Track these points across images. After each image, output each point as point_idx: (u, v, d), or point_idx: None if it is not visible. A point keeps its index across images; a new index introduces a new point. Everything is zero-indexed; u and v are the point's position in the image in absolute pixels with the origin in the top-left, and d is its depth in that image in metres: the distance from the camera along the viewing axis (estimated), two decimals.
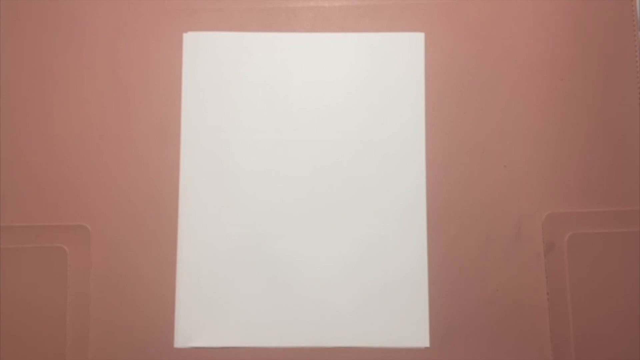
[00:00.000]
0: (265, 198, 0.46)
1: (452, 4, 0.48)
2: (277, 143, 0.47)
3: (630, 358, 0.45)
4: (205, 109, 0.47)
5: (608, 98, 0.47)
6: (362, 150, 0.47)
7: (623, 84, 0.47)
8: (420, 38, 0.48)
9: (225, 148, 0.47)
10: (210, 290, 0.45)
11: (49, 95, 0.47)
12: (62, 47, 0.48)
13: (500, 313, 0.45)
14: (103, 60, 0.47)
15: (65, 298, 0.45)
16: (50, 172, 0.46)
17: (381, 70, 0.47)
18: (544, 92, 0.47)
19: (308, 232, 0.46)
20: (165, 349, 0.45)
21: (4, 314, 0.45)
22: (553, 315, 0.45)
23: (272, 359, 0.45)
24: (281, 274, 0.46)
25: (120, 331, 0.45)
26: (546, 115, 0.47)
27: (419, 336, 0.45)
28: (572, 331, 0.45)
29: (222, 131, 0.47)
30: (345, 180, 0.47)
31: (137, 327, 0.45)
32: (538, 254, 0.46)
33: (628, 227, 0.46)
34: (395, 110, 0.47)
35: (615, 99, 0.47)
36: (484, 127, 0.47)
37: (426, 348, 0.45)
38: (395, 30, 0.48)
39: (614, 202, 0.46)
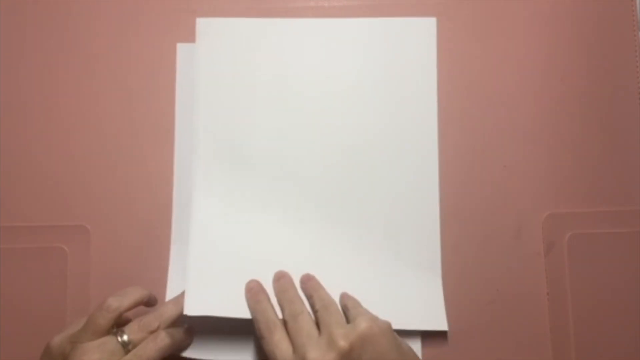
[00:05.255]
0: (276, 185, 0.46)
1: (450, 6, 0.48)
2: (289, 129, 0.46)
3: (630, 358, 0.45)
4: (220, 85, 0.46)
5: (608, 98, 0.47)
6: (374, 134, 0.46)
7: (623, 84, 0.47)
8: (432, 23, 0.47)
9: (239, 119, 0.46)
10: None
11: (49, 96, 0.47)
12: (63, 47, 0.47)
13: (500, 313, 0.45)
14: (103, 60, 0.47)
15: (65, 298, 0.45)
16: (50, 172, 0.46)
17: (394, 54, 0.47)
18: (544, 92, 0.47)
19: (320, 218, 0.46)
20: None
21: (4, 314, 0.45)
22: (553, 315, 0.45)
23: None
24: (291, 266, 0.45)
25: None
26: (546, 115, 0.47)
27: (437, 320, 0.44)
28: (572, 331, 0.45)
29: (236, 104, 0.46)
30: (357, 164, 0.46)
31: None
32: (538, 254, 0.46)
33: (628, 227, 0.46)
34: (407, 95, 0.47)
35: (615, 99, 0.47)
36: (484, 127, 0.47)
37: (425, 346, 0.45)
38: None
39: (614, 202, 0.46)
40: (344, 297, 0.43)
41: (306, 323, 0.39)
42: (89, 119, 0.47)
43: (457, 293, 0.45)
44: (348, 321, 0.40)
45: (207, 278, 0.43)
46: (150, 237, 0.46)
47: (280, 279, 0.43)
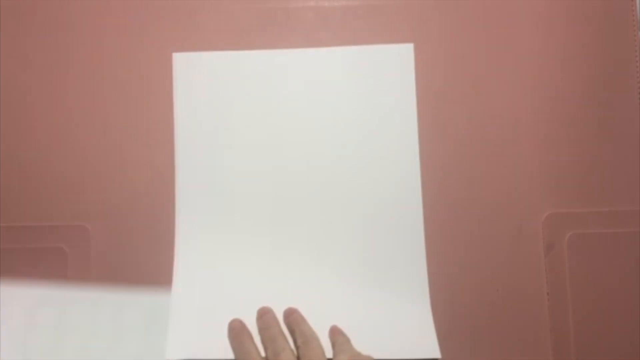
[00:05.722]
0: (260, 209, 0.46)
1: (448, 11, 0.48)
2: (270, 157, 0.46)
3: (630, 358, 0.45)
4: (198, 122, 0.47)
5: (608, 98, 0.47)
6: (355, 162, 0.46)
7: (623, 84, 0.47)
8: (409, 49, 0.47)
9: (219, 158, 0.46)
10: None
11: (49, 96, 0.47)
12: (62, 49, 0.47)
13: (500, 313, 0.45)
14: (103, 62, 0.47)
15: None
16: (50, 172, 0.46)
17: (372, 82, 0.47)
18: (543, 92, 0.47)
19: (305, 246, 0.46)
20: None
21: None
22: (553, 315, 0.45)
23: None
24: (278, 284, 0.45)
25: None
26: (546, 116, 0.47)
27: (427, 346, 0.44)
28: (572, 331, 0.45)
29: (215, 142, 0.46)
30: (340, 193, 0.46)
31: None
32: (538, 254, 0.46)
33: (628, 227, 0.46)
34: (387, 121, 0.47)
35: (615, 99, 0.47)
36: (483, 128, 0.47)
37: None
38: (395, 31, 0.48)
39: (614, 202, 0.46)
40: (334, 332, 0.43)
41: None
42: (88, 119, 0.47)
43: (457, 293, 0.45)
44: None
45: (190, 320, 0.44)
46: (150, 237, 0.46)
47: (263, 315, 0.43)
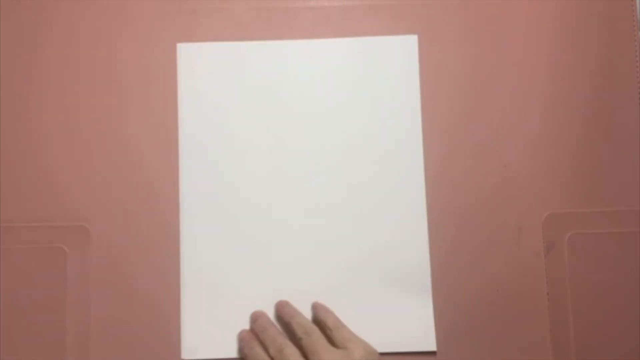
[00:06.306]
0: (264, 203, 0.46)
1: (452, 3, 0.48)
2: (274, 149, 0.47)
3: (630, 358, 0.45)
4: (203, 114, 0.47)
5: (608, 98, 0.47)
6: (360, 154, 0.47)
7: (623, 84, 0.47)
8: (413, 40, 0.48)
9: (223, 154, 0.46)
10: (215, 298, 0.45)
11: (49, 96, 0.47)
12: (62, 49, 0.47)
13: (500, 313, 0.45)
14: (102, 62, 0.47)
15: (65, 298, 0.45)
16: (50, 172, 0.46)
17: (376, 73, 0.47)
18: (544, 91, 0.47)
19: (309, 239, 0.46)
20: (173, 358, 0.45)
21: (4, 314, 0.45)
22: (553, 315, 0.45)
23: None
24: (284, 282, 0.46)
25: (121, 332, 0.45)
26: (546, 115, 0.47)
27: (425, 340, 0.45)
28: (572, 331, 0.45)
29: (219, 137, 0.47)
30: (343, 185, 0.46)
31: (137, 327, 0.45)
32: (538, 254, 0.46)
33: (628, 227, 0.46)
34: (391, 113, 0.47)
35: (615, 99, 0.47)
36: (483, 128, 0.47)
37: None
38: (396, 31, 0.48)
39: (614, 202, 0.46)
40: (321, 311, 0.44)
41: (292, 355, 0.41)
42: (89, 118, 0.47)
43: (457, 293, 0.45)
44: (332, 341, 0.42)
45: (202, 321, 0.45)
46: (151, 237, 0.46)
47: (257, 319, 0.44)
